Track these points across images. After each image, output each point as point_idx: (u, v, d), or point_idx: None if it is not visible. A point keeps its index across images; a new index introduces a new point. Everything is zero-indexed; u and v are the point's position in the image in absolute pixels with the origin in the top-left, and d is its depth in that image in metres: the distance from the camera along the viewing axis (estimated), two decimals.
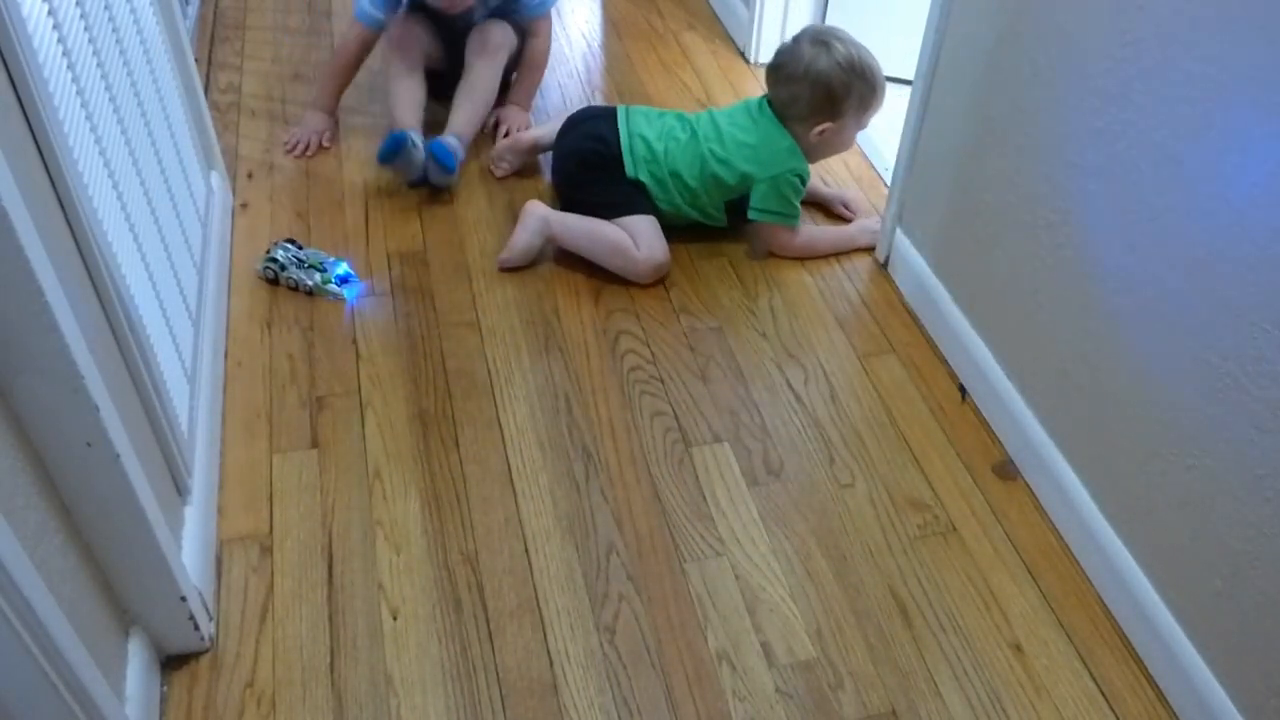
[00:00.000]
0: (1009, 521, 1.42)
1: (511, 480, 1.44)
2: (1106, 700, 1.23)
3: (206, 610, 1.21)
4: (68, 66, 1.04)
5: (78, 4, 1.11)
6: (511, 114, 2.14)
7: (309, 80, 2.28)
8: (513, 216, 1.91)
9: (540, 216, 1.77)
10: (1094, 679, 1.25)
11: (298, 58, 2.36)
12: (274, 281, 1.72)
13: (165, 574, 1.10)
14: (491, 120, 2.13)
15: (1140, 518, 1.25)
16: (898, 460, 1.50)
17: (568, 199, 1.89)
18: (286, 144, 2.05)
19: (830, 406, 1.58)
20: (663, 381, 1.60)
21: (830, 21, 2.36)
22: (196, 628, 1.17)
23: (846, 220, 1.95)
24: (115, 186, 1.15)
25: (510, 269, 1.78)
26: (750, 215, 1.81)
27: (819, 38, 1.77)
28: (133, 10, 1.35)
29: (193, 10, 2.42)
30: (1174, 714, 1.21)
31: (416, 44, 2.05)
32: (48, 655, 0.86)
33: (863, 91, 1.78)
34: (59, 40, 1.02)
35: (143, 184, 1.27)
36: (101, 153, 1.11)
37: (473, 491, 1.42)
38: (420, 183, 1.96)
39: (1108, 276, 1.25)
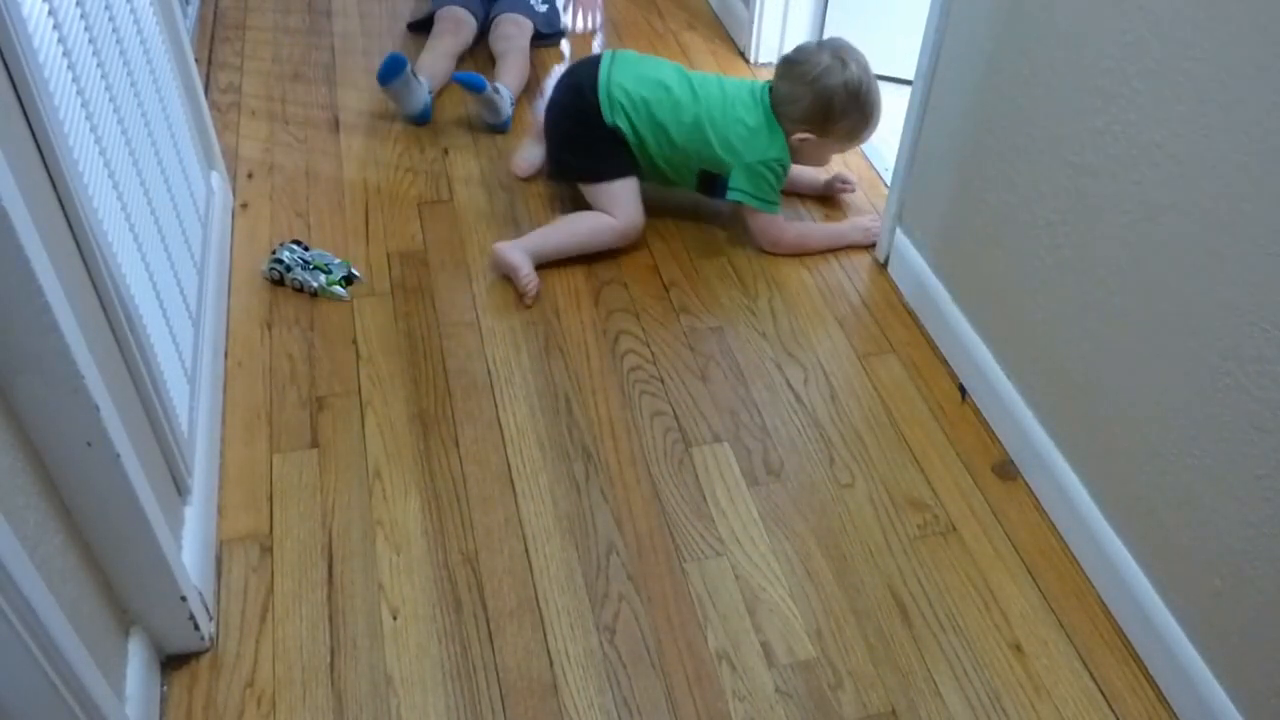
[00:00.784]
0: (1009, 521, 1.42)
1: (511, 480, 1.44)
2: (1106, 700, 1.23)
3: (206, 610, 1.21)
4: (68, 66, 1.04)
5: (78, 4, 1.11)
6: None
7: (309, 80, 2.28)
8: (513, 217, 1.91)
9: (512, 259, 1.73)
10: (1094, 679, 1.25)
11: (298, 58, 2.36)
12: (279, 282, 1.72)
13: (165, 574, 1.10)
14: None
15: (1140, 518, 1.25)
16: (898, 460, 1.50)
17: (556, 162, 1.92)
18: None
19: (830, 406, 1.58)
20: (663, 381, 1.60)
21: (830, 21, 2.36)
22: (196, 628, 1.17)
23: (844, 194, 1.99)
24: (115, 186, 1.15)
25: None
26: (729, 195, 1.81)
27: (840, 53, 1.77)
28: (133, 10, 1.35)
29: (193, 10, 2.42)
30: (1174, 714, 1.22)
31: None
32: (48, 655, 0.86)
33: (856, 120, 1.78)
34: (59, 40, 1.02)
35: (143, 184, 1.27)
36: (101, 153, 1.11)
37: (473, 491, 1.42)
38: (419, 120, 2.14)
39: (1108, 276, 1.25)
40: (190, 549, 1.21)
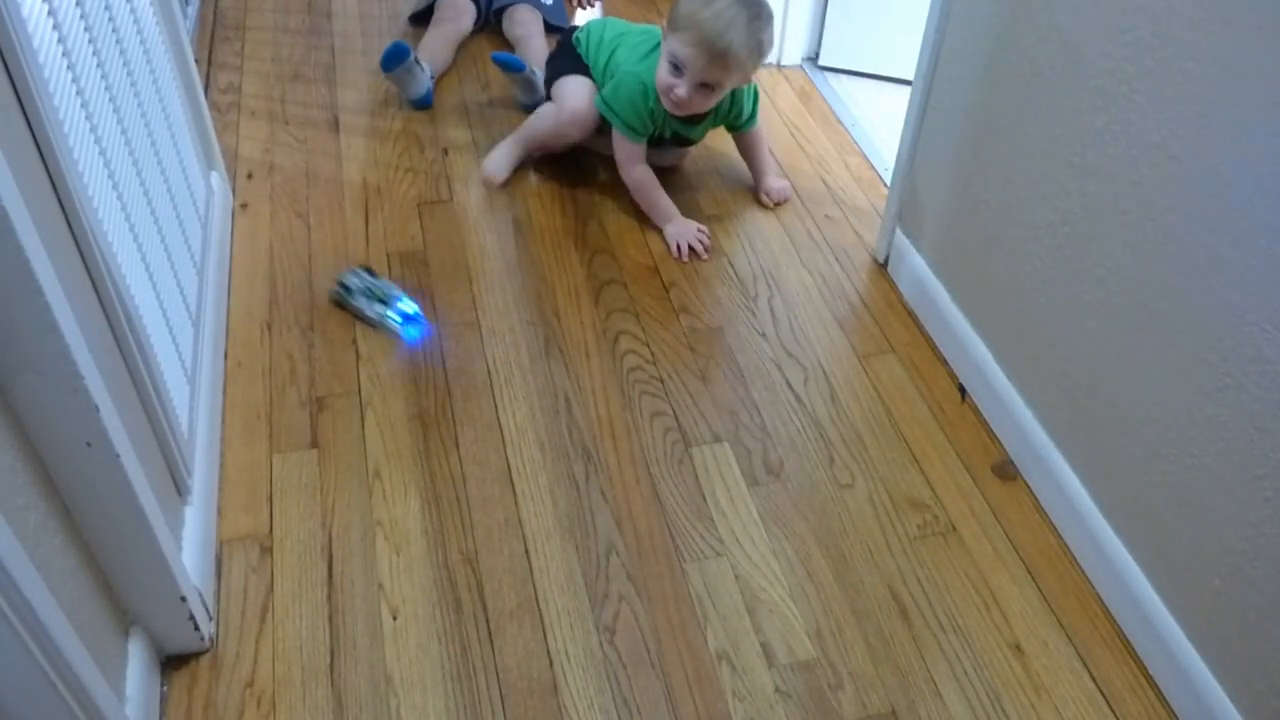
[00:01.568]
0: (1009, 521, 1.42)
1: (511, 480, 1.44)
2: (1106, 700, 1.23)
3: (206, 610, 1.21)
4: (68, 66, 1.04)
5: (78, 4, 1.11)
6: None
7: (309, 80, 2.28)
8: (513, 218, 1.91)
9: (491, 170, 1.98)
10: (1094, 679, 1.25)
11: (298, 58, 2.36)
12: (340, 306, 1.66)
13: (165, 574, 1.10)
14: None
15: (1140, 518, 1.25)
16: (898, 460, 1.50)
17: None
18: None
19: (830, 406, 1.58)
20: (663, 381, 1.60)
21: (830, 21, 2.36)
22: (196, 628, 1.17)
23: (767, 204, 2.00)
24: (115, 186, 1.15)
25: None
26: (597, 103, 1.90)
27: None
28: (133, 10, 1.35)
29: (193, 10, 2.42)
30: (1174, 714, 1.22)
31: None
32: (48, 655, 0.86)
33: (676, 17, 1.73)
34: (59, 40, 1.02)
35: (143, 184, 1.27)
36: (101, 153, 1.11)
37: (473, 491, 1.42)
38: (421, 104, 2.18)
39: (1108, 276, 1.25)
40: (190, 549, 1.21)
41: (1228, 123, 1.04)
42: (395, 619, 1.26)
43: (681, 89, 1.75)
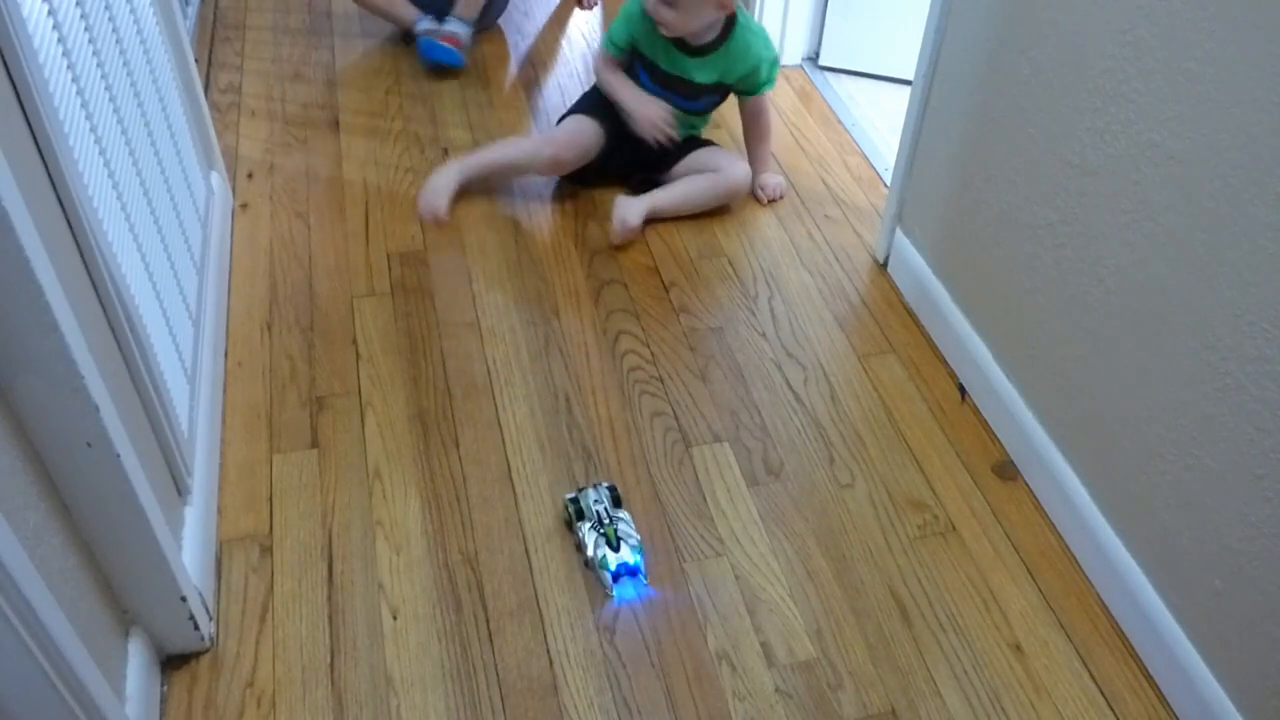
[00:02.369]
0: (1009, 521, 1.42)
1: (511, 480, 1.44)
2: (1106, 700, 1.23)
3: (206, 610, 1.21)
4: (68, 66, 1.04)
5: (78, 4, 1.11)
6: None
7: (309, 80, 2.28)
8: (514, 218, 1.91)
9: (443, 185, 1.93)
10: (1094, 679, 1.25)
11: (298, 58, 2.36)
12: (567, 525, 1.38)
13: (165, 574, 1.10)
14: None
15: (1140, 518, 1.25)
16: (898, 460, 1.50)
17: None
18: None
19: (830, 406, 1.58)
20: (663, 381, 1.60)
21: (830, 21, 2.36)
22: (196, 628, 1.17)
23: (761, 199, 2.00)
24: (115, 186, 1.15)
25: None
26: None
27: None
28: (133, 10, 1.35)
29: (193, 10, 2.42)
30: (1174, 714, 1.22)
31: None
32: (48, 655, 0.86)
33: None
34: (59, 40, 1.02)
35: (143, 184, 1.27)
36: (101, 153, 1.11)
37: (473, 491, 1.42)
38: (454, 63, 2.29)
39: (1108, 276, 1.25)
40: (190, 549, 1.21)
41: (1228, 123, 1.04)
42: (395, 619, 1.26)
43: (649, 1, 1.81)
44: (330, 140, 2.09)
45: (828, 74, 2.40)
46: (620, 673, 1.22)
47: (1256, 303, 1.03)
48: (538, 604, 1.29)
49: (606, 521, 1.34)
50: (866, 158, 2.13)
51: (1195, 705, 1.18)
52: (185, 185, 1.53)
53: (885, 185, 2.03)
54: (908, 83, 1.72)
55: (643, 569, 1.32)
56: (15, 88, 0.89)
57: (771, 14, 2.36)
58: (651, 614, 1.28)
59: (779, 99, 2.30)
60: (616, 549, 1.31)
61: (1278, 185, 0.99)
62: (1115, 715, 1.21)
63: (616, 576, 1.30)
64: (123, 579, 1.08)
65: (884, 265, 1.85)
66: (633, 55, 1.93)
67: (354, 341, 1.64)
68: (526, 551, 1.35)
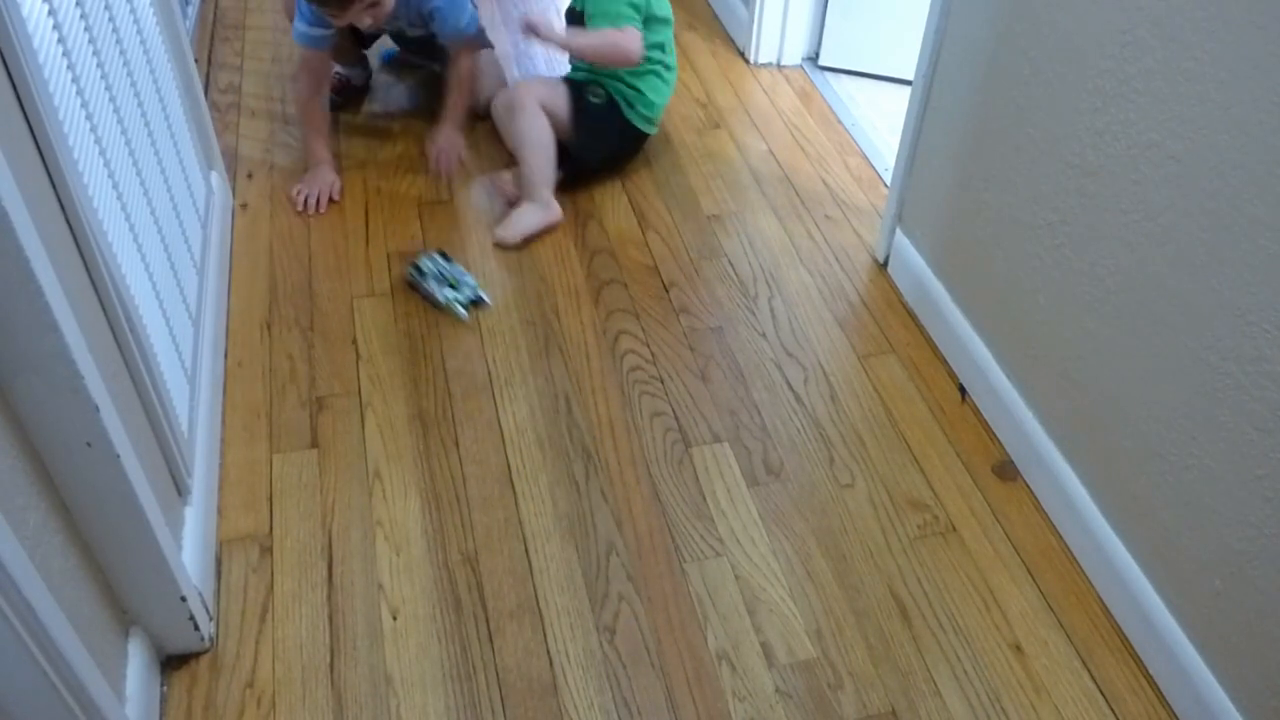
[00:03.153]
0: (1009, 521, 1.42)
1: (511, 480, 1.44)
2: (1106, 700, 1.23)
3: (206, 610, 1.21)
4: (68, 66, 1.04)
5: (78, 4, 1.11)
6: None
7: None
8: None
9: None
10: (1094, 679, 1.25)
11: (298, 58, 2.36)
12: (412, 288, 1.72)
13: (165, 574, 1.10)
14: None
15: (1140, 518, 1.25)
16: (898, 460, 1.50)
17: None
18: (295, 198, 1.91)
19: (830, 406, 1.58)
20: (663, 381, 1.60)
21: (830, 21, 2.36)
22: (196, 628, 1.17)
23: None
24: (115, 186, 1.15)
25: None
26: None
27: None
28: (133, 10, 1.35)
29: (193, 10, 2.42)
30: (1174, 714, 1.22)
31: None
32: (48, 655, 0.86)
33: None
34: (59, 40, 1.02)
35: (143, 184, 1.27)
36: (101, 153, 1.11)
37: (473, 491, 1.42)
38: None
39: (1108, 276, 1.25)
40: (190, 549, 1.21)
41: (1227, 122, 1.04)
42: (395, 619, 1.26)
43: None
44: (330, 140, 2.09)
45: (828, 74, 2.40)
46: (620, 673, 1.22)
47: (1256, 303, 1.03)
48: (538, 604, 1.29)
49: (445, 272, 1.70)
50: (866, 158, 2.13)
51: (1195, 705, 1.18)
52: (185, 185, 1.53)
53: (885, 185, 2.03)
54: (908, 83, 1.72)
55: (486, 296, 1.71)
56: (15, 88, 0.89)
57: (771, 14, 2.35)
58: (652, 614, 1.28)
59: (779, 99, 2.30)
60: (457, 289, 1.68)
61: (1278, 185, 0.99)
62: (1115, 715, 1.21)
63: (474, 304, 1.69)
64: (123, 579, 1.08)
65: (884, 265, 1.85)
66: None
67: (354, 341, 1.64)
68: (526, 551, 1.35)
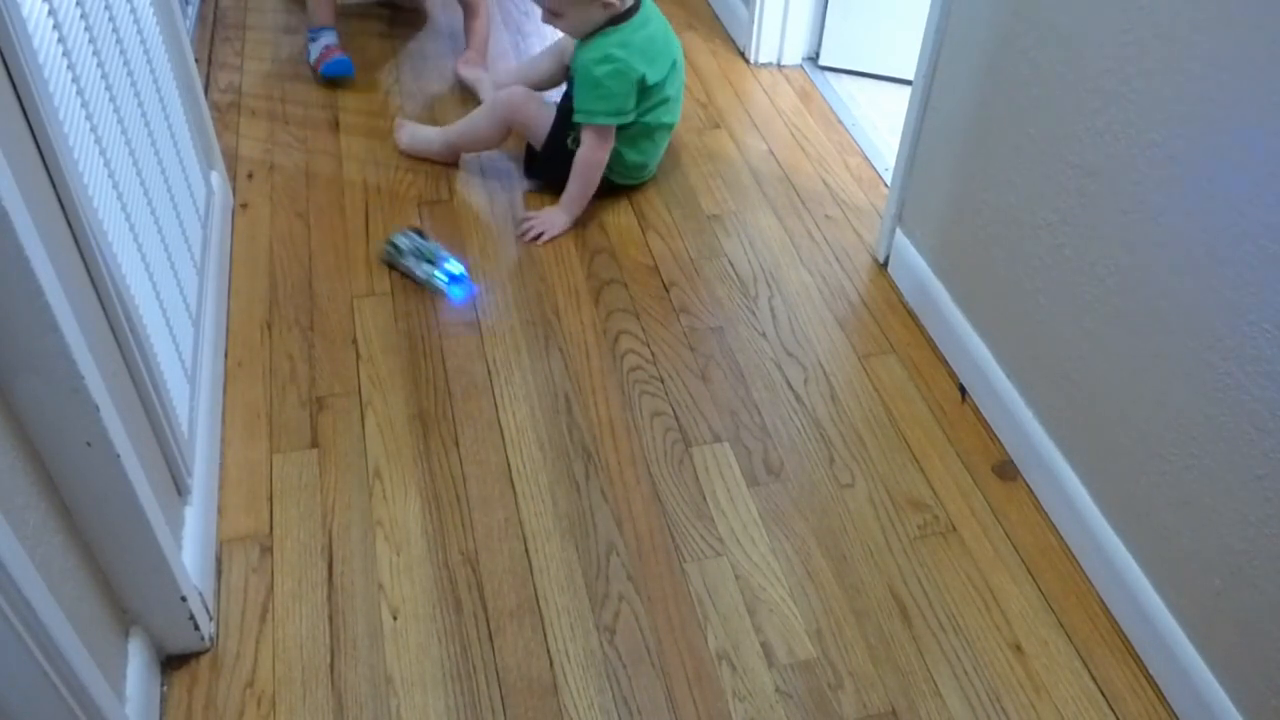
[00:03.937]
0: (1009, 521, 1.42)
1: (511, 480, 1.44)
2: (1106, 700, 1.23)
3: (206, 610, 1.21)
4: (68, 66, 1.04)
5: (78, 4, 1.11)
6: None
7: (309, 80, 2.27)
8: (513, 217, 1.91)
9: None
10: (1094, 679, 1.25)
11: (298, 58, 2.36)
12: (390, 265, 1.76)
13: (165, 574, 1.10)
14: None
15: (1140, 518, 1.25)
16: (898, 460, 1.50)
17: None
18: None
19: (830, 406, 1.58)
20: (663, 381, 1.60)
21: (830, 21, 2.36)
22: (196, 628, 1.17)
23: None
24: (115, 186, 1.15)
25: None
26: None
27: None
28: (133, 10, 1.35)
29: (193, 10, 2.42)
30: (1174, 714, 1.22)
31: None
32: (48, 655, 0.86)
33: None
34: (59, 40, 1.02)
35: (143, 184, 1.27)
36: (101, 153, 1.11)
37: (473, 491, 1.42)
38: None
39: (1108, 276, 1.25)
40: (190, 549, 1.21)
41: (1228, 123, 1.04)
42: (395, 619, 1.26)
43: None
44: (330, 140, 2.09)
45: (828, 74, 2.40)
46: (620, 673, 1.22)
47: (1256, 303, 1.03)
48: (538, 604, 1.29)
49: (422, 248, 1.72)
50: (866, 158, 2.13)
51: (1195, 705, 1.18)
52: (185, 185, 1.53)
53: (885, 185, 2.03)
54: (908, 83, 1.72)
55: (465, 274, 1.72)
56: (15, 88, 0.89)
57: (771, 14, 2.35)
58: (652, 614, 1.28)
59: (779, 99, 2.30)
60: (434, 263, 1.70)
61: (1278, 185, 0.99)
62: (1115, 715, 1.21)
63: (449, 283, 1.70)
64: (123, 579, 1.08)
65: (884, 265, 1.85)
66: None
67: (354, 341, 1.64)
68: (526, 551, 1.35)
